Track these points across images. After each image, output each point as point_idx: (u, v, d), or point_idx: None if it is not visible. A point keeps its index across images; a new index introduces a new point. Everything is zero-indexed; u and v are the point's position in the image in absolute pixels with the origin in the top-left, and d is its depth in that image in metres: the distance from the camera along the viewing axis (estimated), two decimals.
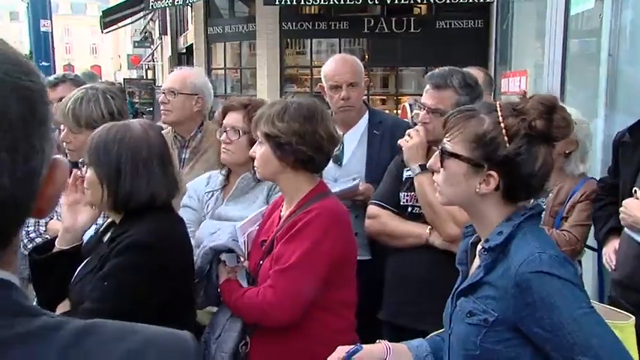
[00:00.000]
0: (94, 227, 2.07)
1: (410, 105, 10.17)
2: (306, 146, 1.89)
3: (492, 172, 1.40)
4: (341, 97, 2.83)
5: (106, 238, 1.91)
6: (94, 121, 2.36)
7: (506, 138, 1.38)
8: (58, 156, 0.71)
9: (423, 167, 2.25)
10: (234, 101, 2.50)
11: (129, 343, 0.67)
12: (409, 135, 2.37)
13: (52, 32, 9.64)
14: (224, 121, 2.46)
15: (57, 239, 1.93)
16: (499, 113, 1.41)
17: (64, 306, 1.87)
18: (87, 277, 1.81)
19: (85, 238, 2.01)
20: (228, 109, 2.47)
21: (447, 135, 1.47)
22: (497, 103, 1.46)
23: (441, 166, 1.47)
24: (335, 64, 2.93)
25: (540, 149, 1.40)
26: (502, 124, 1.39)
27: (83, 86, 2.66)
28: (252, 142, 2.12)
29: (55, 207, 0.74)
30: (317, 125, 1.91)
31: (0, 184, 0.62)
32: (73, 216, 1.92)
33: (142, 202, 1.79)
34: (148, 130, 1.85)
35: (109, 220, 1.99)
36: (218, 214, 2.44)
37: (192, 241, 2.35)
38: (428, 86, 2.37)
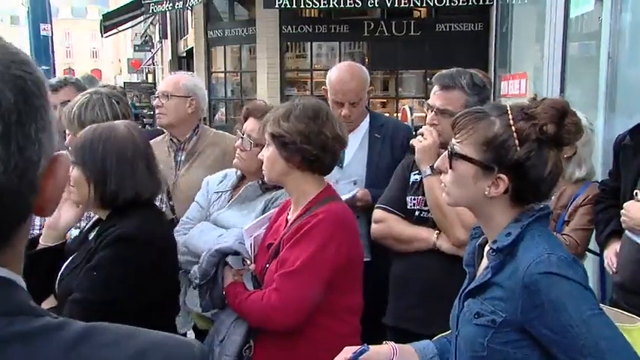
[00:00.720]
0: (78, 229, 2.10)
1: (410, 108, 10.19)
2: (311, 145, 1.90)
3: (502, 176, 1.39)
4: (342, 115, 2.79)
5: (91, 236, 1.94)
6: None
7: (517, 142, 1.37)
8: (60, 152, 0.70)
9: (433, 169, 2.19)
10: (258, 107, 2.46)
11: (131, 348, 0.66)
12: (422, 135, 2.32)
13: (52, 36, 9.65)
14: (244, 125, 2.46)
15: (41, 236, 1.95)
16: (510, 116, 1.40)
17: (49, 302, 1.90)
18: (74, 271, 1.84)
19: (72, 238, 2.04)
20: (251, 113, 2.46)
21: (457, 136, 1.46)
22: (508, 105, 1.45)
23: (450, 167, 1.46)
24: (341, 79, 2.86)
25: (550, 154, 1.39)
26: (513, 128, 1.38)
27: (87, 91, 2.68)
28: None
29: (57, 205, 0.72)
30: (322, 125, 1.92)
31: None
32: (57, 213, 1.92)
33: (127, 200, 1.83)
34: (132, 131, 1.90)
35: (95, 218, 2.03)
36: (214, 219, 2.46)
37: (181, 239, 2.38)
38: (436, 87, 2.34)
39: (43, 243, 1.93)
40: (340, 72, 2.91)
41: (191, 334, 2.73)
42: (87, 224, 2.09)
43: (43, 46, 9.38)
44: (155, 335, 0.69)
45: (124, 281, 1.74)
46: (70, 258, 1.91)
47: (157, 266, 1.80)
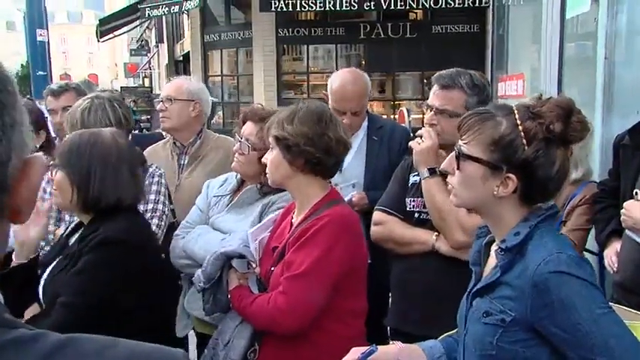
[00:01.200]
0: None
1: (408, 110, 10.20)
2: (314, 148, 1.90)
3: (511, 175, 1.40)
4: (343, 123, 2.78)
5: (72, 240, 1.96)
6: None
7: (524, 141, 1.38)
8: (34, 154, 0.69)
9: (431, 171, 2.20)
10: (256, 111, 2.46)
11: (111, 359, 0.64)
12: (420, 137, 2.29)
13: (48, 41, 9.66)
14: (242, 129, 2.46)
15: (13, 253, 1.96)
16: (516, 116, 1.41)
17: (32, 310, 1.91)
18: (59, 275, 1.85)
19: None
20: (248, 117, 2.46)
21: (463, 137, 1.46)
22: (514, 105, 1.46)
23: (457, 169, 1.47)
24: (343, 88, 2.85)
25: (557, 152, 1.40)
26: (520, 127, 1.39)
27: (88, 95, 2.70)
28: (261, 159, 2.12)
29: (33, 208, 0.70)
30: (325, 128, 1.93)
31: None
32: (25, 229, 1.92)
33: (110, 205, 1.86)
34: (117, 138, 1.94)
35: (76, 221, 2.05)
36: (212, 223, 2.46)
37: (180, 243, 2.38)
38: (435, 87, 2.32)
39: (16, 260, 1.94)
40: (342, 81, 2.89)
41: (192, 338, 2.73)
42: (66, 229, 2.11)
43: (39, 52, 9.39)
44: (137, 345, 0.67)
45: (110, 284, 1.76)
46: (54, 263, 1.93)
47: (145, 269, 1.82)
